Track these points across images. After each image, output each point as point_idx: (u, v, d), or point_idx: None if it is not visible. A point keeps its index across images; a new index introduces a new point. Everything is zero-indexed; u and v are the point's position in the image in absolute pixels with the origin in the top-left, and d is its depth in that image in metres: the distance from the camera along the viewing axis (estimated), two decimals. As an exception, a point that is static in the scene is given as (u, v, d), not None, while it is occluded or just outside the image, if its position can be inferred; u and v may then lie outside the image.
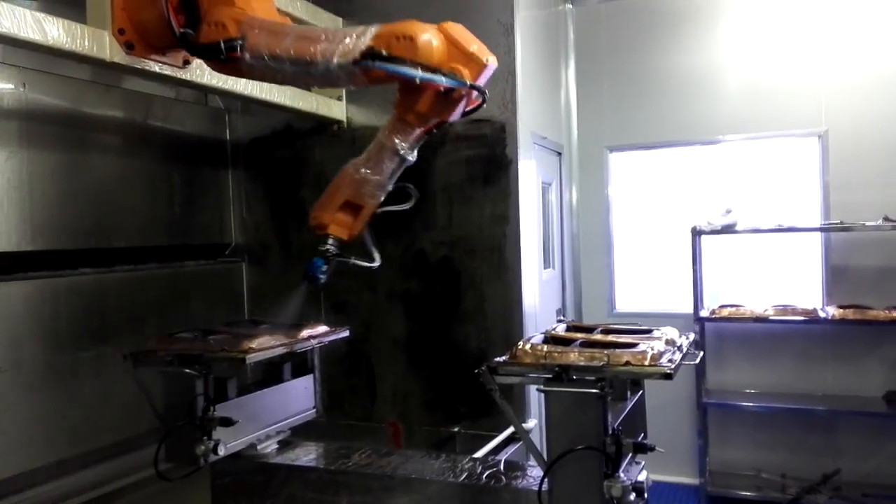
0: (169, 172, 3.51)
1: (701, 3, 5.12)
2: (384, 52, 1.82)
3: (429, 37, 1.83)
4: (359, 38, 1.86)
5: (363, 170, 2.08)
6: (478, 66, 1.88)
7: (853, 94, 4.75)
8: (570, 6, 5.36)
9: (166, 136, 3.53)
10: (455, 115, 2.00)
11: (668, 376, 1.68)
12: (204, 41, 2.05)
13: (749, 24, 5.03)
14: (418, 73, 1.80)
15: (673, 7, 5.21)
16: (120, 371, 2.97)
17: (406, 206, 2.26)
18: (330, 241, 2.16)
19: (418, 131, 2.03)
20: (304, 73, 1.99)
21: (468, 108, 1.99)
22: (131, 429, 3.05)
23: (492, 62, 1.93)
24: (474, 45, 1.90)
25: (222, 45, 2.00)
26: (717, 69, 5.11)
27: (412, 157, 2.08)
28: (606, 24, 5.35)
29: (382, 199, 2.14)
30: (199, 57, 2.20)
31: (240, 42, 1.99)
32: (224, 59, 2.05)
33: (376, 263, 2.28)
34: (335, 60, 1.88)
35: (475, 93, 1.93)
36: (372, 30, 1.86)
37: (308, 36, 1.95)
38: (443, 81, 1.82)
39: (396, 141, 2.03)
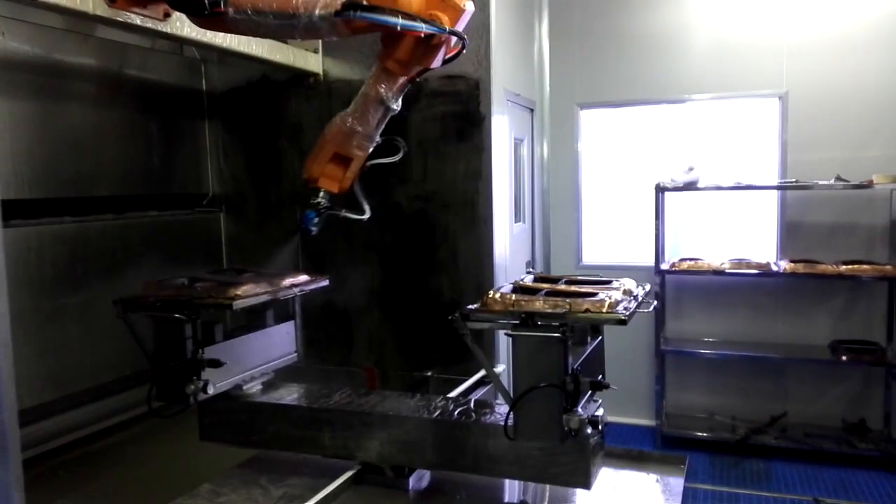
0: (146, 122, 3.53)
1: (671, -37, 5.21)
2: (364, 2, 1.87)
3: None
4: None
5: (350, 121, 2.17)
6: (455, 11, 1.97)
7: (814, 57, 4.91)
8: (545, -38, 5.40)
9: (143, 85, 3.54)
10: (437, 62, 2.08)
11: (622, 322, 1.84)
12: None
13: (718, -16, 5.14)
14: (399, 21, 1.87)
15: (645, -34, 5.30)
16: (104, 316, 3.09)
17: (395, 159, 2.40)
18: (321, 194, 2.27)
19: (402, 80, 2.12)
20: (288, 27, 2.02)
21: (449, 56, 2.08)
22: (116, 371, 3.17)
23: (469, 7, 2.01)
24: None
25: (206, 1, 2.06)
26: (685, 29, 5.23)
27: (396, 105, 2.17)
28: (579, -19, 5.41)
29: (370, 150, 2.25)
30: (183, 12, 2.23)
31: None
32: (208, 14, 2.11)
33: (366, 216, 2.39)
34: (317, 12, 1.93)
35: (455, 39, 2.02)
36: None
37: None
38: (422, 28, 1.90)
39: (381, 90, 2.11)
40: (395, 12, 1.87)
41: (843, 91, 4.86)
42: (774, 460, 4.83)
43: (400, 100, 2.18)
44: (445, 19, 1.95)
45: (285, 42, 3.32)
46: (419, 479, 2.33)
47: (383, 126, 2.23)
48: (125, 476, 2.81)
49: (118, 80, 3.40)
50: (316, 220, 2.30)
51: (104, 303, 3.13)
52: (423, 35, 1.94)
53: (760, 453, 4.90)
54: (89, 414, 3.03)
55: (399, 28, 1.88)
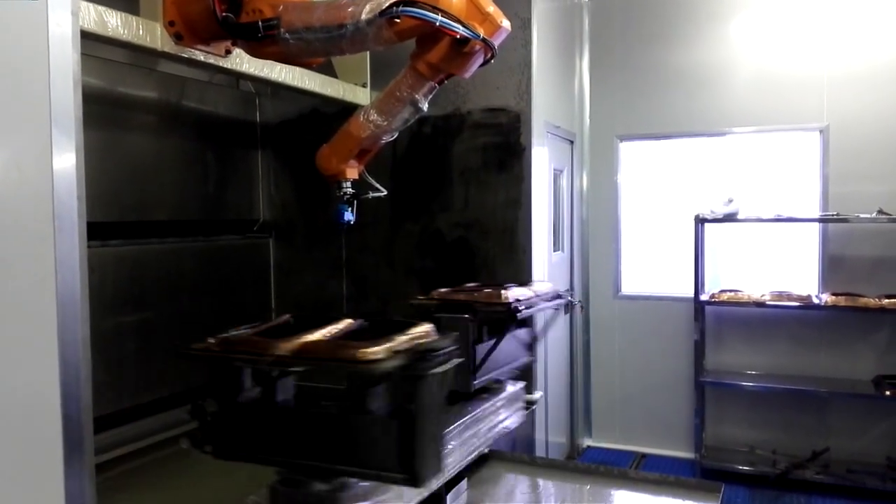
0: (203, 152, 3.74)
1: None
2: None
3: None
4: None
5: (379, 119, 2.36)
6: (493, 26, 2.08)
7: (854, 92, 4.91)
8: (586, -1, 5.54)
9: (200, 117, 3.75)
10: (466, 71, 2.20)
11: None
12: (243, 21, 2.29)
13: (757, 21, 5.19)
14: (438, 18, 1.98)
15: (684, 3, 5.39)
16: (159, 334, 3.25)
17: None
18: (345, 185, 2.51)
19: (430, 83, 2.26)
20: (337, 38, 2.16)
21: (483, 61, 2.17)
22: (168, 388, 3.32)
23: (506, 25, 2.13)
24: (491, 7, 2.09)
25: (260, 24, 2.24)
26: (725, 63, 5.28)
27: (425, 106, 2.33)
28: (620, 18, 5.51)
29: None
30: (239, 37, 2.40)
31: (275, 21, 2.22)
32: (261, 37, 2.28)
33: (385, 192, 2.63)
34: (363, 17, 2.07)
35: (487, 54, 2.13)
36: None
37: (337, 5, 2.16)
38: (460, 29, 2.02)
39: (412, 91, 2.27)
40: (436, 9, 1.99)
41: (884, 124, 4.84)
42: (815, 496, 4.74)
43: (427, 101, 2.33)
44: (482, 31, 2.06)
45: (337, 72, 3.49)
46: (457, 496, 2.40)
47: (410, 122, 2.40)
48: (177, 487, 2.92)
49: (177, 111, 3.61)
50: (349, 209, 2.53)
51: (160, 322, 3.32)
52: (458, 37, 2.04)
53: (801, 488, 4.82)
54: (143, 428, 3.18)
55: (438, 24, 1.99)
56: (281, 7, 2.26)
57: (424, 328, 1.74)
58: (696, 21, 5.36)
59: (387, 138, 2.48)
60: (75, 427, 1.25)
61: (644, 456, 5.44)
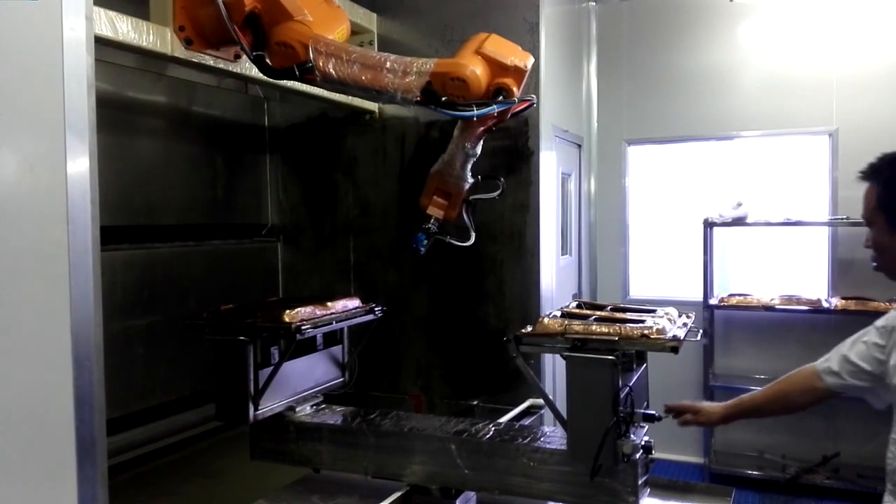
0: (211, 156, 3.75)
1: (719, 3, 5.27)
2: (441, 97, 2.08)
3: (474, 70, 2.11)
4: (419, 77, 2.11)
5: (443, 164, 2.58)
6: (519, 73, 2.18)
7: (863, 95, 4.89)
8: (594, 3, 5.53)
9: (209, 121, 3.76)
10: (509, 115, 2.33)
11: (675, 350, 1.90)
12: (276, 63, 2.29)
13: (765, 24, 5.18)
14: (475, 113, 2.09)
15: (693, 7, 5.38)
16: (168, 338, 3.26)
17: (495, 195, 2.82)
18: (431, 220, 2.66)
19: (480, 130, 2.44)
20: (374, 95, 2.27)
21: (518, 109, 2.31)
22: (176, 392, 3.33)
23: (529, 63, 2.22)
24: (512, 57, 2.17)
25: (296, 69, 2.24)
26: (733, 67, 5.27)
27: (474, 153, 2.53)
28: (628, 22, 5.52)
29: (466, 187, 2.64)
30: (276, 79, 2.43)
31: (310, 65, 2.22)
32: (297, 79, 2.30)
33: (469, 242, 2.76)
34: (399, 95, 2.16)
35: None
36: (429, 66, 2.11)
37: (372, 65, 2.17)
38: (495, 109, 2.14)
39: (464, 143, 2.48)
40: (468, 105, 2.08)
41: (893, 128, 4.82)
42: (826, 501, 4.72)
43: (479, 146, 2.52)
44: (511, 82, 2.15)
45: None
46: (466, 501, 2.39)
47: (469, 166, 2.59)
48: (183, 492, 2.93)
49: (186, 116, 3.62)
50: (425, 241, 2.65)
51: (168, 326, 3.33)
52: (496, 114, 2.18)
53: (812, 493, 4.80)
54: (152, 432, 3.18)
55: (475, 118, 2.13)
56: (310, 46, 2.22)
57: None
58: (704, 25, 5.35)
59: (458, 183, 2.62)
60: (88, 429, 1.26)
61: (652, 460, 5.41)
